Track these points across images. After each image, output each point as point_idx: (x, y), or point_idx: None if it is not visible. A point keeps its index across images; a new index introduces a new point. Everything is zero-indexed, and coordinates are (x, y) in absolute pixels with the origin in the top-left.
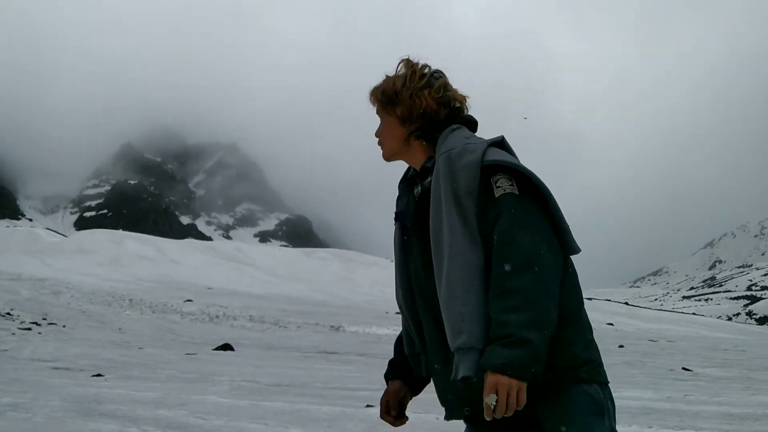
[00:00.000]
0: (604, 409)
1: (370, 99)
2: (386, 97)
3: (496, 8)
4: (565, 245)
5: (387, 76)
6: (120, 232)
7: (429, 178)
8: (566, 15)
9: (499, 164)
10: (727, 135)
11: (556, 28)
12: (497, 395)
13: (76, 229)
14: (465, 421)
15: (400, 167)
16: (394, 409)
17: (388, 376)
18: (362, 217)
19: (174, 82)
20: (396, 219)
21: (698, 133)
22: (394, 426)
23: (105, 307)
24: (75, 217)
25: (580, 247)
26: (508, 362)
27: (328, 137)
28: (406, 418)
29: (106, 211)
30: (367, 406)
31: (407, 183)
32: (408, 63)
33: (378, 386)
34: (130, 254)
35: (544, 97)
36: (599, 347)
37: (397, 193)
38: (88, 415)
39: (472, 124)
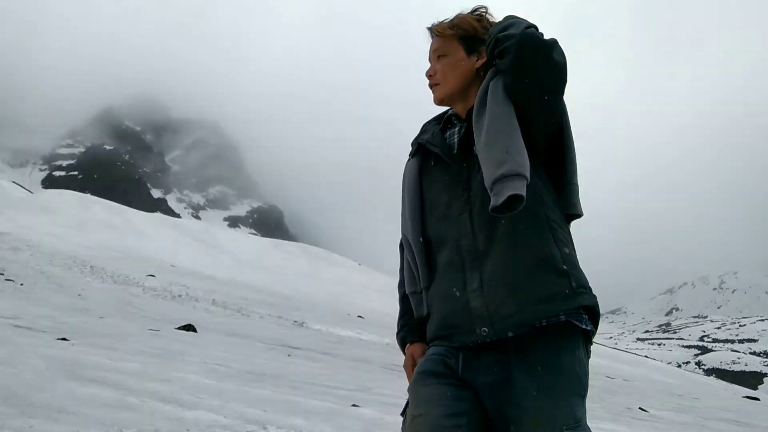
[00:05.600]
0: (585, 388)
1: (441, 30)
2: (478, 33)
3: None
4: (571, 203)
5: (462, 14)
6: (88, 196)
7: None
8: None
9: None
10: (701, 189)
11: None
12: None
13: (43, 187)
14: (466, 351)
15: (381, 169)
16: None
17: (406, 339)
18: (335, 216)
19: (166, 52)
20: (417, 150)
21: (673, 182)
22: None
23: (65, 270)
24: (44, 174)
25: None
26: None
27: (311, 131)
28: None
29: (76, 173)
30: (353, 405)
31: (443, 122)
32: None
33: (353, 387)
34: (97, 220)
35: None
36: None
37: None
38: (78, 380)
39: None
